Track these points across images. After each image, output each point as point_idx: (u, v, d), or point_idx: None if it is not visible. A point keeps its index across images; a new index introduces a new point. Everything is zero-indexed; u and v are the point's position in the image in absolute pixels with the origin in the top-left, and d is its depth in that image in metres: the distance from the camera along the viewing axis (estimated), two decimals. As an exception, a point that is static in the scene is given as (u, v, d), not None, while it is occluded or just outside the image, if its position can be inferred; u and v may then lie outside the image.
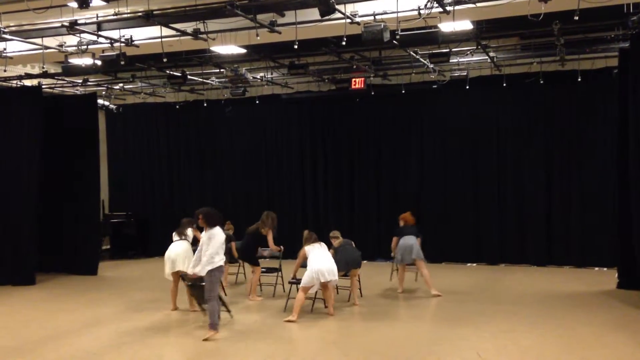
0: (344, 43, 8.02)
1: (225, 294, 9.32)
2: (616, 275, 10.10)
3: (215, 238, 7.32)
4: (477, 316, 8.36)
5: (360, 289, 9.86)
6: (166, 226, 14.84)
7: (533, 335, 7.38)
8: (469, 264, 12.62)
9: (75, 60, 9.35)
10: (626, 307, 8.75)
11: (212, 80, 12.65)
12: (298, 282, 8.67)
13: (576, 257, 12.01)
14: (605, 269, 11.52)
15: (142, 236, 14.84)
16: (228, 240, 10.12)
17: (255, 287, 9.80)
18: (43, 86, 12.24)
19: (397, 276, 10.11)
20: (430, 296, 9.62)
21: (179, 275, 8.78)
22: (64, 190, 12.67)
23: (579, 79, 11.20)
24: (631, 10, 8.05)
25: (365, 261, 11.48)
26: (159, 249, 14.41)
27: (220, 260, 7.35)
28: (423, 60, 10.69)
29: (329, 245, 8.94)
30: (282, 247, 9.68)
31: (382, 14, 7.70)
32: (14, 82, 11.99)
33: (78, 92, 13.58)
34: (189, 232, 9.26)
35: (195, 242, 8.80)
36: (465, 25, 8.32)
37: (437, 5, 7.25)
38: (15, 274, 11.54)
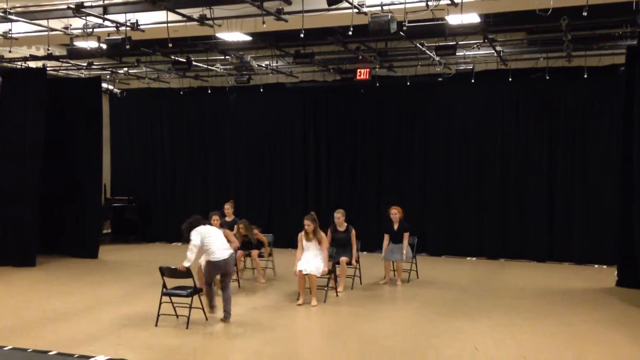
0: (350, 33, 7.99)
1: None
2: (616, 273, 10.10)
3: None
4: (475, 310, 8.38)
5: (360, 278, 9.93)
6: (167, 211, 14.96)
7: (531, 330, 7.40)
8: (469, 258, 12.63)
9: (80, 43, 9.31)
10: (625, 304, 8.76)
11: (217, 67, 12.62)
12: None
13: (576, 254, 12.01)
14: (605, 266, 11.52)
15: (143, 221, 14.87)
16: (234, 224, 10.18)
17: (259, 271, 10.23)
18: (48, 68, 12.22)
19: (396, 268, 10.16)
20: (428, 288, 9.69)
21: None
22: (66, 173, 12.69)
23: (585, 76, 11.15)
24: (640, 8, 8.00)
25: (365, 252, 11.59)
26: (160, 234, 14.61)
27: (213, 256, 7.63)
28: (429, 53, 10.64)
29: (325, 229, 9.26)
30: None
31: (389, 4, 7.66)
32: (19, 63, 11.97)
33: (82, 76, 13.56)
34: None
35: None
36: (472, 18, 8.28)
37: (445, -3, 7.22)
38: (16, 255, 11.59)
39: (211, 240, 7.61)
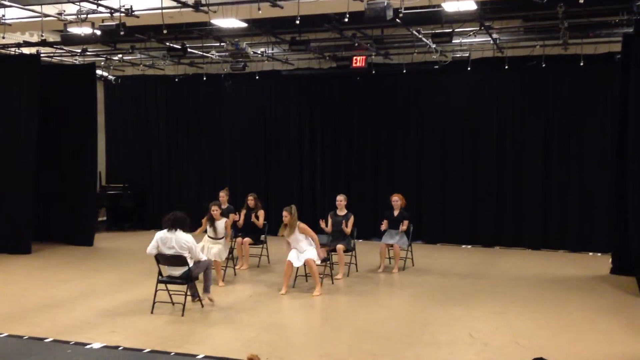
0: (346, 20, 7.95)
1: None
2: (610, 260, 10.16)
3: None
4: (470, 297, 8.42)
5: (356, 265, 9.97)
6: (163, 199, 14.94)
7: (525, 317, 7.45)
8: (464, 246, 12.66)
9: (74, 29, 9.25)
10: (618, 292, 8.81)
11: (212, 54, 12.54)
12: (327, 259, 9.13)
13: (571, 242, 12.05)
14: (599, 254, 11.57)
15: (138, 208, 14.85)
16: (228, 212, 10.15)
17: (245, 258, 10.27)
18: (41, 55, 12.13)
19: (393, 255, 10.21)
20: (423, 275, 9.74)
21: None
22: (61, 160, 12.65)
23: (582, 64, 11.13)
24: (637, -5, 7.99)
25: (360, 240, 11.60)
26: (156, 222, 14.54)
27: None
28: (425, 40, 10.61)
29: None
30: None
31: (385, -9, 7.61)
32: (13, 49, 11.88)
33: (76, 62, 13.47)
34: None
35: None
36: (469, 5, 8.22)
37: (441, -17, 7.18)
38: (11, 242, 11.56)
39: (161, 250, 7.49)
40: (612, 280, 9.57)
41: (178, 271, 7.52)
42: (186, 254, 7.46)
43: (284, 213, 8.53)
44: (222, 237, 9.08)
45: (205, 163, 14.79)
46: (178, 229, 7.48)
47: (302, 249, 8.53)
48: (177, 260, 7.46)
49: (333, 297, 8.51)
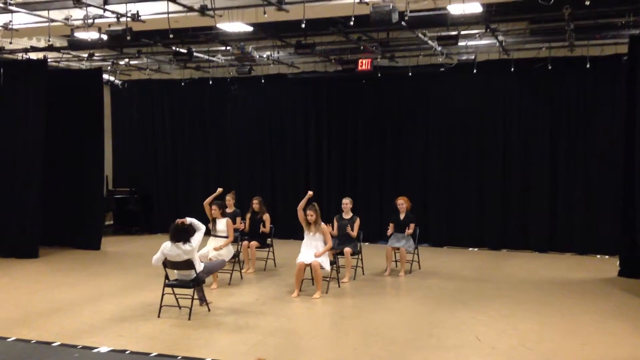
0: (351, 23, 7.95)
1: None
2: (617, 263, 10.11)
3: None
4: (477, 300, 8.39)
5: (362, 268, 9.94)
6: (169, 203, 14.98)
7: (532, 320, 7.42)
8: (470, 249, 12.63)
9: (81, 34, 9.29)
10: (627, 295, 8.77)
11: (218, 58, 12.57)
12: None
13: (578, 245, 12.00)
14: (607, 256, 11.52)
15: (145, 212, 14.89)
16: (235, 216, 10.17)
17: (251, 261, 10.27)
18: (49, 60, 12.20)
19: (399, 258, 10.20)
20: (430, 279, 9.72)
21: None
22: (68, 164, 12.69)
23: (588, 65, 11.11)
24: (643, -3, 7.96)
25: (366, 243, 11.59)
26: (162, 226, 14.59)
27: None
28: (431, 43, 10.59)
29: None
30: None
31: (391, -6, 7.61)
32: (20, 54, 11.94)
33: (83, 67, 13.53)
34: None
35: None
36: (474, 7, 8.23)
37: (446, -14, 7.18)
38: (19, 246, 11.61)
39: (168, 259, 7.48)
40: (620, 282, 9.53)
41: (188, 277, 7.53)
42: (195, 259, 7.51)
43: (310, 212, 8.58)
44: (225, 237, 9.10)
45: (211, 166, 14.82)
46: (181, 241, 7.37)
47: (312, 249, 8.55)
48: (185, 264, 7.47)
49: (339, 301, 8.50)
